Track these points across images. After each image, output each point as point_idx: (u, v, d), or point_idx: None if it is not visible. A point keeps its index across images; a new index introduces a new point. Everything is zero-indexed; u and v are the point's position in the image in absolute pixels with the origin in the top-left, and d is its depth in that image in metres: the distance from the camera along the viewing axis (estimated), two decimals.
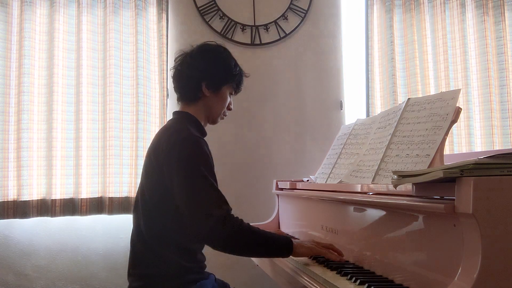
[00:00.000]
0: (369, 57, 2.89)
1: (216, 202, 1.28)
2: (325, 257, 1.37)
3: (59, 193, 2.52)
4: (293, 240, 1.37)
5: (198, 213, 1.26)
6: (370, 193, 1.29)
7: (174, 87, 1.55)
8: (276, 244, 1.34)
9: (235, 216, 1.29)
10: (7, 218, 2.45)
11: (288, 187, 2.02)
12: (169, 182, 1.33)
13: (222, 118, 1.60)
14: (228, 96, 1.56)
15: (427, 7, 2.89)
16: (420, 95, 2.77)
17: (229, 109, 1.59)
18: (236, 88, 1.58)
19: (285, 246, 1.34)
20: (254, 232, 1.30)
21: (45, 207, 2.50)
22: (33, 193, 2.49)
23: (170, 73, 1.58)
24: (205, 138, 1.45)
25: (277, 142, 2.80)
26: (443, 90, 2.79)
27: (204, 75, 1.49)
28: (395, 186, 1.05)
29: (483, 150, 2.77)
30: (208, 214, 1.25)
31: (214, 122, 1.58)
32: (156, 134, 1.50)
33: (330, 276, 1.21)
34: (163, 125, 1.56)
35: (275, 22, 2.84)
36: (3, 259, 2.50)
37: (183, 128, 1.41)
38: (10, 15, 2.53)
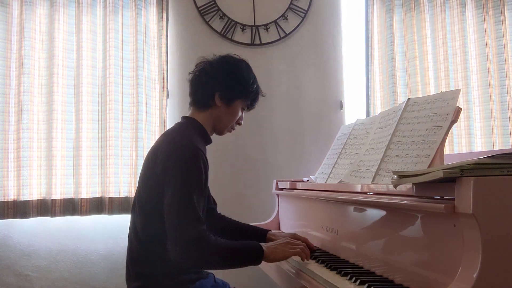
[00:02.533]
0: (369, 57, 2.88)
1: (191, 222, 1.27)
2: (303, 259, 1.38)
3: (59, 193, 2.51)
4: (264, 247, 1.36)
5: (173, 231, 1.27)
6: (370, 193, 1.29)
7: (189, 91, 1.55)
8: (246, 257, 1.35)
9: (206, 235, 1.28)
10: (7, 218, 2.45)
11: (288, 187, 2.02)
12: (162, 184, 1.34)
13: (230, 131, 1.60)
14: (240, 111, 1.55)
15: (427, 7, 2.89)
16: (420, 95, 2.77)
17: (238, 123, 1.59)
18: (250, 105, 1.58)
19: (255, 256, 1.34)
20: (224, 248, 1.31)
21: (45, 207, 2.49)
22: (33, 193, 2.49)
23: (188, 77, 1.57)
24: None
25: (277, 142, 2.80)
26: (443, 90, 2.79)
27: (219, 85, 1.49)
28: (395, 186, 1.05)
29: (483, 150, 2.77)
30: (179, 236, 1.26)
31: (220, 133, 1.58)
32: (160, 136, 1.51)
33: (330, 276, 1.21)
34: (168, 126, 1.56)
35: (275, 22, 2.83)
36: (3, 259, 2.50)
37: (186, 135, 1.41)
38: (10, 15, 2.53)
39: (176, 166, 1.31)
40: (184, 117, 1.55)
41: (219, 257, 1.30)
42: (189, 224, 1.27)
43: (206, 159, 1.39)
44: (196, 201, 1.29)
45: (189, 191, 1.29)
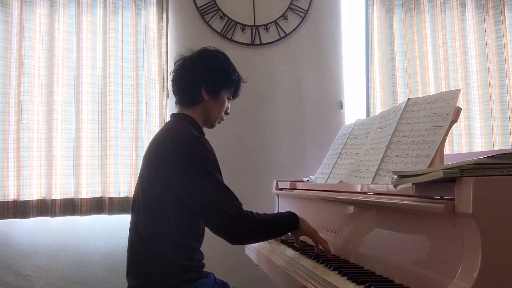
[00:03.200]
0: (369, 57, 2.88)
1: (227, 201, 1.35)
2: (316, 249, 1.47)
3: (59, 193, 2.52)
4: (298, 216, 1.48)
5: (212, 214, 1.34)
6: (370, 193, 1.29)
7: (173, 90, 1.57)
8: (284, 224, 1.46)
9: (244, 210, 1.36)
10: (7, 218, 2.45)
11: (288, 187, 2.02)
12: (170, 180, 1.34)
13: (219, 122, 1.63)
14: (226, 101, 1.59)
15: (427, 7, 2.89)
16: (420, 95, 2.77)
17: (226, 113, 1.62)
18: (234, 93, 1.61)
19: (292, 223, 1.46)
20: (264, 221, 1.40)
21: (45, 207, 2.50)
22: (33, 193, 2.49)
23: (170, 77, 1.59)
24: None
25: (277, 142, 2.80)
26: (443, 90, 2.79)
27: (204, 80, 1.51)
28: (395, 186, 1.05)
29: (483, 150, 2.77)
30: (221, 214, 1.32)
31: (211, 126, 1.60)
32: (156, 135, 1.51)
33: (330, 276, 1.21)
34: (162, 126, 1.57)
35: (275, 22, 2.83)
36: (3, 259, 2.50)
37: (185, 129, 1.44)
38: (10, 15, 2.53)
39: (189, 159, 1.35)
40: (174, 115, 1.56)
41: (263, 230, 1.40)
42: (228, 201, 1.35)
43: (212, 147, 1.43)
44: (222, 180, 1.38)
45: (214, 176, 1.36)
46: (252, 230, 1.38)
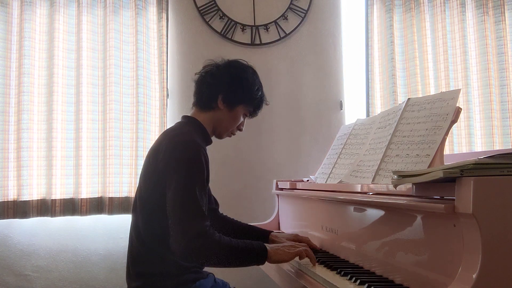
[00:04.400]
0: (369, 57, 2.88)
1: (195, 217, 1.27)
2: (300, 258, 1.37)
3: (59, 193, 2.52)
4: (268, 247, 1.35)
5: (177, 226, 1.26)
6: (370, 193, 1.29)
7: (194, 91, 1.56)
8: (249, 255, 1.32)
9: (210, 231, 1.27)
10: (7, 218, 2.45)
11: (288, 187, 2.02)
12: (165, 181, 1.34)
13: (229, 136, 1.60)
14: (241, 117, 1.56)
15: (427, 7, 2.89)
16: (420, 95, 2.77)
17: (239, 129, 1.60)
18: (253, 112, 1.59)
19: (259, 256, 1.32)
20: (228, 246, 1.29)
21: (45, 207, 2.49)
22: (33, 193, 2.49)
23: (194, 78, 1.58)
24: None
25: (277, 142, 2.80)
26: (443, 90, 2.79)
27: (223, 88, 1.49)
28: (395, 186, 1.05)
29: (483, 150, 2.77)
30: (183, 230, 1.25)
31: (219, 136, 1.58)
32: (160, 135, 1.51)
33: (330, 276, 1.21)
34: (168, 126, 1.56)
35: (275, 22, 2.83)
36: (3, 259, 2.50)
37: (187, 132, 1.42)
38: (10, 15, 2.53)
39: (178, 163, 1.32)
40: (184, 117, 1.55)
41: (223, 254, 1.28)
42: (193, 219, 1.27)
43: (207, 156, 1.39)
44: (199, 197, 1.29)
45: (192, 187, 1.29)
46: (210, 253, 1.26)
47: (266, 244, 1.36)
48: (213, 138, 1.58)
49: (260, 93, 1.56)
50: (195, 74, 1.58)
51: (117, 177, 2.58)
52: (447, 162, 1.00)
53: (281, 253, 1.35)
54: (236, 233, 1.67)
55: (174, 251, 1.27)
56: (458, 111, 1.23)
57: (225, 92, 1.49)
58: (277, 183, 2.15)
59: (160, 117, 2.68)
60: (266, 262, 1.34)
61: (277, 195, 2.17)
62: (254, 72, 1.57)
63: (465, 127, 2.82)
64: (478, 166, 0.84)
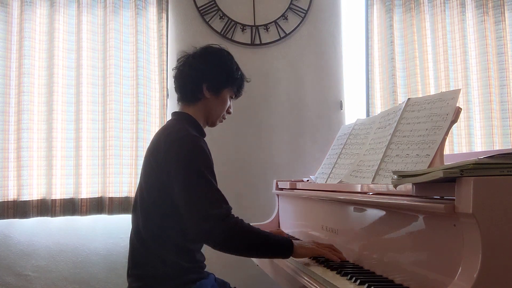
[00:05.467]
0: (369, 57, 2.88)
1: (215, 202, 1.28)
2: (325, 258, 1.37)
3: (59, 193, 2.52)
4: (293, 241, 1.37)
5: (197, 214, 1.26)
6: (370, 193, 1.29)
7: (175, 87, 1.56)
8: (276, 245, 1.33)
9: (235, 216, 1.29)
10: (7, 218, 2.45)
11: (288, 187, 2.02)
12: (167, 181, 1.33)
13: (221, 121, 1.61)
14: (228, 100, 1.56)
15: (427, 7, 2.89)
16: (420, 95, 2.77)
17: (228, 112, 1.59)
18: (237, 92, 1.59)
19: (285, 247, 1.34)
20: (254, 232, 1.30)
21: (45, 207, 2.50)
22: (33, 193, 2.49)
23: (172, 73, 1.58)
24: (204, 139, 1.45)
25: (277, 142, 2.80)
26: (443, 90, 2.79)
27: (206, 77, 1.49)
28: (395, 186, 1.05)
29: (483, 150, 2.77)
30: (206, 214, 1.25)
31: (213, 124, 1.58)
32: (155, 135, 1.50)
33: (330, 276, 1.21)
34: (163, 125, 1.56)
35: (275, 22, 2.83)
36: (3, 259, 2.50)
37: (182, 128, 1.41)
38: (10, 15, 2.53)
39: (182, 158, 1.31)
40: (175, 113, 1.54)
41: (249, 240, 1.28)
42: (217, 202, 1.28)
43: (208, 147, 1.39)
44: (213, 181, 1.31)
45: (202, 174, 1.30)
46: (237, 238, 1.26)
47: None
48: (214, 137, 1.58)
49: (240, 72, 1.57)
50: (172, 69, 1.58)
51: (117, 177, 2.58)
52: (447, 162, 1.00)
53: (307, 247, 1.37)
54: None
55: (196, 236, 1.28)
56: (458, 111, 1.23)
57: (208, 80, 1.49)
58: (277, 183, 2.15)
59: (160, 117, 2.68)
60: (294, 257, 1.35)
61: (277, 195, 2.17)
62: (228, 53, 1.58)
63: (465, 127, 2.82)
64: (478, 166, 0.84)
